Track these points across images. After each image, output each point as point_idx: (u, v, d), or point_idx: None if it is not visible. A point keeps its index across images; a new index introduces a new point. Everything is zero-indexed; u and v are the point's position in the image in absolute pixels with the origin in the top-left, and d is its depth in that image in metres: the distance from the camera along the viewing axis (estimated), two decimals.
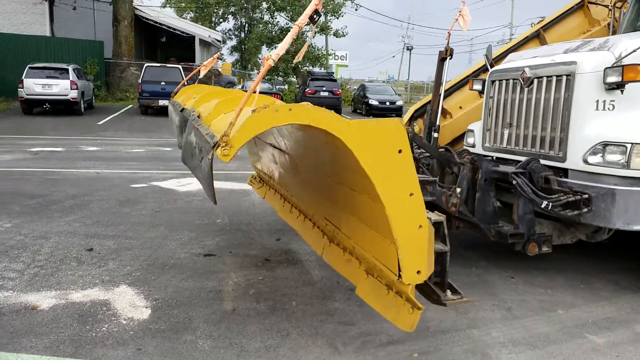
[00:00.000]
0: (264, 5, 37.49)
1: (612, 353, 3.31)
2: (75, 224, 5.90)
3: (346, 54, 48.88)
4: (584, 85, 4.26)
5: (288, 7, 34.31)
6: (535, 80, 4.69)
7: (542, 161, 4.40)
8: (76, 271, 4.46)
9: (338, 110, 26.24)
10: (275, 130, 3.48)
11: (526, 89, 4.78)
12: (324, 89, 25.81)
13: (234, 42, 51.68)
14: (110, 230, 5.68)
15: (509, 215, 4.46)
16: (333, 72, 36.07)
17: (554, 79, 4.50)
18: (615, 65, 4.11)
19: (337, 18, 35.74)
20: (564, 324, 3.70)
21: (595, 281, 4.54)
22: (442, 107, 6.28)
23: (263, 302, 3.92)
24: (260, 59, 45.75)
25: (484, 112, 5.42)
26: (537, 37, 7.00)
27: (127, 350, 3.18)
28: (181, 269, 4.59)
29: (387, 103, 26.43)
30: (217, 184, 8.19)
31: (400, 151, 2.24)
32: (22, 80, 18.70)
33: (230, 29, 47.65)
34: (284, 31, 34.79)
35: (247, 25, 45.75)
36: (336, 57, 46.53)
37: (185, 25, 37.20)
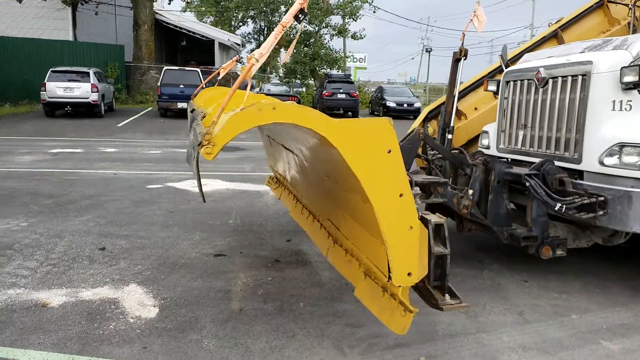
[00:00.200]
0: (282, 8, 37.60)
1: None
2: (89, 223, 5.97)
3: (365, 56, 48.82)
4: (600, 85, 4.16)
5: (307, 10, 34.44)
6: (550, 81, 4.59)
7: (557, 163, 4.31)
8: (88, 270, 4.51)
9: (355, 112, 26.19)
10: (284, 131, 3.47)
11: (541, 90, 4.69)
12: (341, 91, 25.76)
13: (253, 45, 52.02)
14: (123, 230, 5.73)
15: (523, 218, 4.38)
16: (350, 75, 36.02)
17: (569, 79, 4.40)
18: (632, 64, 4.01)
19: (355, 20, 35.66)
20: (577, 330, 3.61)
21: (611, 286, 4.42)
22: (457, 108, 6.21)
23: (271, 303, 3.90)
24: (279, 61, 45.96)
25: (499, 113, 5.34)
26: (555, 37, 6.87)
27: (133, 348, 3.19)
28: (191, 268, 4.60)
29: (405, 105, 26.25)
30: (232, 185, 8.27)
31: (389, 151, 2.21)
32: (45, 83, 19.07)
33: (249, 33, 47.80)
34: (302, 34, 34.85)
35: (266, 28, 45.94)
36: (354, 60, 46.49)
37: (204, 29, 37.54)
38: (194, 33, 34.69)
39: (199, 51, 36.66)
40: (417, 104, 26.96)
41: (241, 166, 10.35)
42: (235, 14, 47.35)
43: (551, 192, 4.05)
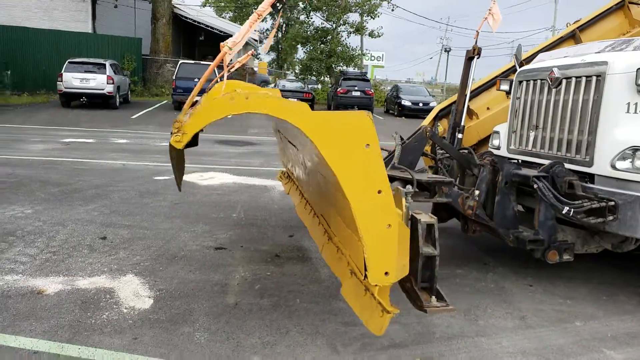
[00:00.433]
0: (301, 5, 37.51)
1: None
2: (93, 212, 5.96)
3: (382, 54, 48.51)
4: (615, 86, 4.02)
5: (324, 7, 34.25)
6: (564, 81, 4.46)
7: (568, 165, 4.18)
8: (86, 258, 4.49)
9: (370, 110, 26.03)
10: (288, 124, 3.40)
11: (554, 90, 4.56)
12: (356, 88, 25.58)
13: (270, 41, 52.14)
14: (126, 220, 5.72)
15: (531, 221, 4.26)
16: (366, 72, 35.80)
17: (583, 79, 4.26)
18: None
19: (373, 18, 35.37)
20: (580, 337, 3.49)
21: (619, 293, 4.28)
22: (468, 108, 6.09)
23: (267, 298, 3.84)
24: (297, 59, 45.86)
25: (510, 113, 5.21)
26: (573, 37, 6.72)
27: (123, 338, 3.15)
28: (190, 260, 4.56)
29: (420, 104, 25.99)
30: (239, 179, 8.23)
31: (367, 145, 2.12)
32: (62, 74, 19.25)
33: (267, 29, 47.91)
34: (319, 31, 34.73)
35: (284, 25, 45.98)
36: (372, 58, 46.24)
37: (223, 24, 37.60)
38: (212, 28, 34.74)
39: (216, 46, 36.49)
40: (433, 104, 26.65)
41: (251, 160, 10.31)
42: (254, 10, 47.38)
43: (560, 195, 3.93)
